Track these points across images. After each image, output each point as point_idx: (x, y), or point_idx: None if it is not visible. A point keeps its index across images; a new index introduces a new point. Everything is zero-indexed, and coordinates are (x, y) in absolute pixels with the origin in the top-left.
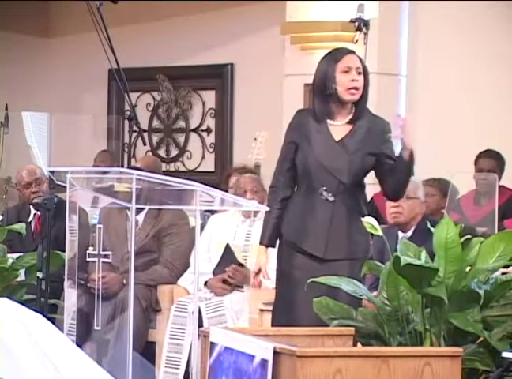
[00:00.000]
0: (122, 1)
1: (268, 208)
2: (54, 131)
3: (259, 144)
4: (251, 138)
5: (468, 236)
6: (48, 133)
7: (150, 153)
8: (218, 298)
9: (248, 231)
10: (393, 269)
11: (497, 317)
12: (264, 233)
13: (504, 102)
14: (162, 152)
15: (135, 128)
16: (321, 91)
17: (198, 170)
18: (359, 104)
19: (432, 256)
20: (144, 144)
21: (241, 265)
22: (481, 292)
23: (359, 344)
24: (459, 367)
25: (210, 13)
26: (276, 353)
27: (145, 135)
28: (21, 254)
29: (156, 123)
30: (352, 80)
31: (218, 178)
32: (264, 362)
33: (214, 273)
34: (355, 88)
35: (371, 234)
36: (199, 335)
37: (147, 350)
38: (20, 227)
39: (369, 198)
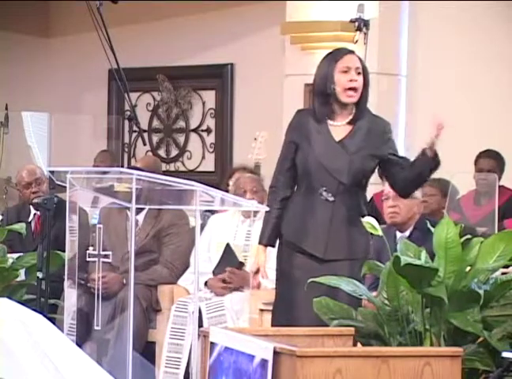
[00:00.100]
0: (122, 1)
1: (268, 208)
2: (54, 131)
3: (259, 144)
4: (251, 138)
5: (468, 236)
6: (48, 133)
7: (150, 153)
8: (218, 298)
9: (248, 231)
10: (393, 269)
11: (497, 317)
12: (263, 232)
13: (504, 102)
14: (162, 152)
15: (135, 128)
16: (321, 91)
17: (198, 170)
18: (360, 105)
19: (431, 256)
20: (144, 144)
21: (241, 264)
22: (481, 292)
23: (359, 344)
24: (459, 367)
25: (210, 13)
26: (276, 353)
27: (145, 135)
28: (21, 254)
29: (156, 123)
30: (351, 80)
31: (218, 178)
32: (264, 362)
33: (214, 273)
34: (354, 89)
35: (371, 234)
36: (199, 335)
37: (147, 350)
38: (20, 227)
39: (369, 198)
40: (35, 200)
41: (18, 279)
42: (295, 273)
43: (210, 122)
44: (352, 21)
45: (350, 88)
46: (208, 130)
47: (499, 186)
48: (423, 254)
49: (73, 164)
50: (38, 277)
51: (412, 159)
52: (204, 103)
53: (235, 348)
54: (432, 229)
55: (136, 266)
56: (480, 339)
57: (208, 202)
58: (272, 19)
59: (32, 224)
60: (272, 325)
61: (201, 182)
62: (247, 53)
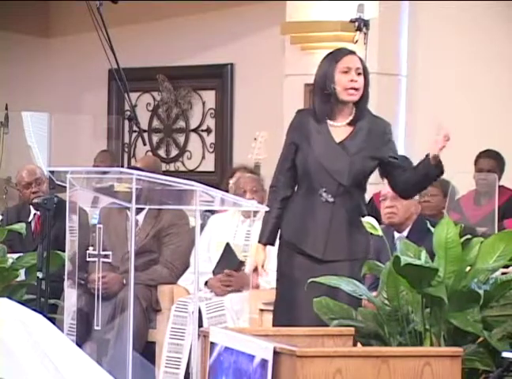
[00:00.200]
0: (122, 1)
1: (267, 208)
2: (54, 131)
3: (259, 144)
4: (251, 138)
5: (468, 236)
6: (48, 133)
7: (150, 153)
8: (218, 298)
9: (248, 231)
10: (393, 269)
11: (497, 317)
12: (263, 231)
13: (504, 102)
14: (162, 152)
15: (135, 128)
16: (322, 91)
17: (198, 170)
18: (360, 105)
19: (430, 256)
20: (144, 144)
21: (242, 263)
22: (481, 292)
23: (359, 344)
24: (459, 367)
25: (210, 13)
26: (276, 353)
27: (145, 135)
28: (21, 254)
29: (156, 123)
30: (351, 81)
31: (218, 178)
32: (264, 362)
33: (214, 273)
34: (355, 89)
35: (371, 234)
36: (199, 335)
37: (147, 350)
38: (20, 227)
39: (369, 198)
40: (35, 200)
41: (18, 279)
42: (294, 273)
43: (210, 122)
44: (352, 21)
45: (350, 88)
46: (208, 130)
47: (499, 186)
48: (423, 254)
49: (73, 164)
50: (38, 277)
51: (411, 158)
52: (204, 103)
53: (235, 348)
54: (432, 229)
55: (136, 266)
56: (480, 339)
57: (208, 202)
58: (272, 19)
59: (32, 224)
60: (274, 325)
61: (201, 182)
62: (247, 53)
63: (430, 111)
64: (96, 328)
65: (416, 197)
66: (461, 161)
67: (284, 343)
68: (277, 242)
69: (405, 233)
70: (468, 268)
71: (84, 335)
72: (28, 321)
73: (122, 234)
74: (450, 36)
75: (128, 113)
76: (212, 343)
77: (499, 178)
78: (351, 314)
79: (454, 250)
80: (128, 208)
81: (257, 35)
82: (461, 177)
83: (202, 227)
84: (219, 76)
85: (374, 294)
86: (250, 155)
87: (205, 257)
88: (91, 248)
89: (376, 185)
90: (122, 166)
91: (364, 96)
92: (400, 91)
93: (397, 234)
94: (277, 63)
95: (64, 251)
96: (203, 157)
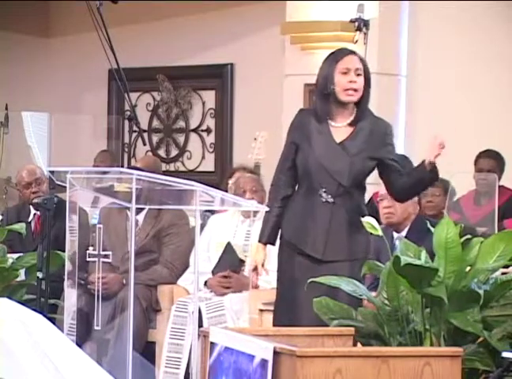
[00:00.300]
0: (122, 1)
1: (267, 208)
2: (54, 131)
3: (259, 144)
4: (251, 138)
5: (468, 236)
6: (48, 133)
7: (150, 153)
8: (218, 298)
9: (248, 231)
10: (393, 269)
11: (497, 317)
12: (263, 231)
13: (504, 102)
14: (162, 152)
15: (135, 128)
16: (322, 91)
17: (198, 170)
18: (361, 106)
19: (430, 256)
20: (144, 144)
21: (242, 262)
22: (481, 292)
23: (359, 344)
24: (459, 367)
25: (210, 13)
26: (276, 353)
27: (145, 135)
28: (21, 254)
29: (156, 123)
30: (350, 82)
31: (218, 178)
32: (264, 362)
33: (213, 273)
34: (354, 90)
35: (371, 234)
36: (199, 335)
37: (147, 350)
38: (20, 227)
39: (368, 198)
40: (35, 200)
41: (18, 279)
42: (295, 273)
43: (210, 122)
44: (351, 21)
45: (349, 89)
46: (208, 130)
47: (499, 186)
48: (423, 254)
49: (73, 164)
50: (38, 277)
51: (411, 158)
52: (204, 103)
53: (235, 348)
54: (432, 229)
55: (136, 266)
56: (480, 339)
57: (208, 202)
58: (272, 19)
59: (32, 224)
60: (274, 325)
61: (201, 182)
62: (247, 53)
63: (430, 111)
64: (95, 328)
65: (415, 198)
66: (461, 161)
67: (284, 343)
68: (278, 241)
69: (404, 233)
70: (468, 268)
71: (84, 335)
72: (28, 321)
73: (122, 234)
74: (450, 36)
75: (128, 113)
76: (212, 343)
77: (499, 178)
78: (351, 314)
79: (454, 250)
80: (128, 208)
81: (257, 35)
82: (461, 177)
83: (202, 227)
84: (219, 76)
85: (374, 294)
86: (250, 155)
87: (204, 257)
88: (91, 248)
89: (376, 185)
90: (122, 166)
91: (365, 97)
92: (400, 91)
93: (395, 234)
94: (277, 63)
95: (64, 251)
96: (203, 157)
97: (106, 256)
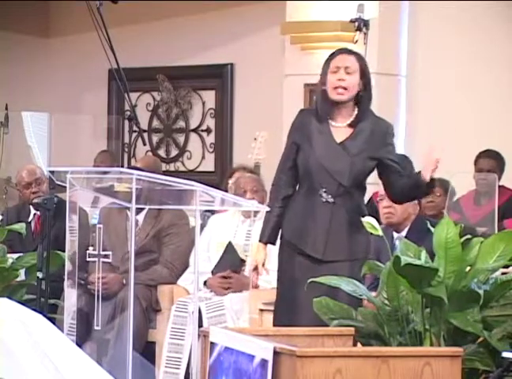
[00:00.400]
0: (122, 1)
1: (267, 208)
2: (54, 131)
3: (259, 144)
4: (251, 138)
5: (468, 236)
6: (48, 133)
7: (150, 153)
8: (218, 298)
9: (248, 231)
10: (393, 269)
11: (497, 317)
12: (264, 230)
13: (504, 102)
14: (162, 152)
15: (135, 128)
16: (320, 91)
17: (198, 170)
18: (361, 107)
19: (430, 256)
20: (144, 144)
21: (243, 262)
22: (481, 292)
23: (359, 344)
24: (459, 367)
25: (210, 13)
26: (276, 353)
27: (145, 135)
28: (21, 254)
29: (156, 123)
30: (339, 80)
31: (218, 178)
32: (264, 362)
33: (213, 272)
34: (342, 88)
35: (371, 234)
36: (199, 335)
37: (147, 350)
38: (20, 227)
39: (368, 197)
40: (35, 200)
41: (18, 279)
42: (295, 273)
43: (210, 122)
44: (352, 21)
45: (338, 87)
46: (208, 130)
47: (499, 186)
48: (423, 254)
49: (73, 164)
50: (38, 277)
51: (411, 157)
52: (204, 103)
53: (235, 348)
54: (432, 229)
55: (136, 266)
56: (480, 339)
57: (208, 202)
58: (272, 19)
59: (32, 224)
60: (274, 325)
61: (201, 182)
62: (247, 53)
63: (430, 111)
64: (96, 328)
65: None
66: (461, 161)
67: (284, 343)
68: (278, 241)
69: (404, 233)
70: (468, 268)
71: (84, 335)
72: (28, 321)
73: (122, 234)
74: (450, 36)
75: (128, 113)
76: (212, 343)
77: (499, 178)
78: (351, 314)
79: (454, 250)
80: (128, 208)
81: (257, 35)
82: (461, 177)
83: (202, 227)
84: (219, 76)
85: (374, 294)
86: (250, 155)
87: (204, 257)
88: (91, 248)
89: (375, 185)
90: (122, 166)
91: (364, 97)
92: (400, 92)
93: (395, 234)
94: (277, 63)
95: (64, 251)
96: (203, 157)
97: (106, 256)
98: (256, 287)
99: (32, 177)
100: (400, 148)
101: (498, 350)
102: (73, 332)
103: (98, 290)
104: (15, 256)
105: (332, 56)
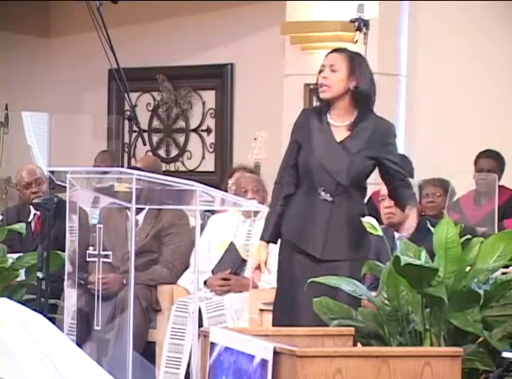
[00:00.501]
0: (122, 1)
1: (267, 208)
2: (54, 131)
3: (259, 144)
4: (251, 138)
5: (468, 236)
6: (48, 133)
7: (150, 153)
8: (218, 298)
9: (248, 231)
10: (393, 269)
11: (497, 317)
12: (265, 229)
13: (504, 102)
14: (162, 152)
15: (135, 128)
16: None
17: (198, 170)
18: (358, 105)
19: (431, 256)
20: (144, 144)
21: (244, 262)
22: (481, 292)
23: (359, 344)
24: (459, 367)
25: (210, 13)
26: (276, 353)
27: (145, 135)
28: (21, 254)
29: (156, 123)
30: (323, 78)
31: (218, 178)
32: (264, 362)
33: (213, 272)
34: (325, 85)
35: (371, 234)
36: (199, 335)
37: (147, 350)
38: (20, 226)
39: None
40: (35, 200)
41: (18, 279)
42: (294, 272)
43: (210, 122)
44: (352, 21)
45: (321, 85)
46: (208, 130)
47: (499, 186)
48: (423, 254)
49: (73, 164)
50: (38, 277)
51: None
52: (204, 103)
53: (235, 348)
54: (432, 229)
55: (136, 266)
56: (480, 339)
57: (208, 202)
58: (272, 19)
59: (32, 224)
60: (273, 324)
61: (201, 182)
62: (247, 53)
63: (430, 111)
64: (96, 328)
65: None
66: (461, 161)
67: (284, 343)
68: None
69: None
70: (468, 268)
71: (84, 335)
72: (28, 321)
73: (122, 234)
74: (450, 36)
75: (128, 113)
76: (212, 343)
77: (499, 178)
78: (351, 314)
79: (454, 250)
80: (128, 208)
81: (257, 35)
82: (461, 177)
83: (202, 227)
84: (219, 76)
85: (374, 294)
86: (250, 155)
87: (205, 257)
88: (91, 248)
89: (375, 185)
90: (122, 166)
91: (359, 98)
92: (400, 91)
93: (397, 234)
94: (277, 63)
95: (64, 251)
96: (203, 157)
97: (106, 256)
98: (255, 287)
99: (32, 177)
100: (400, 148)
101: (498, 350)
102: (73, 332)
103: (98, 290)
104: (15, 256)
105: (325, 56)
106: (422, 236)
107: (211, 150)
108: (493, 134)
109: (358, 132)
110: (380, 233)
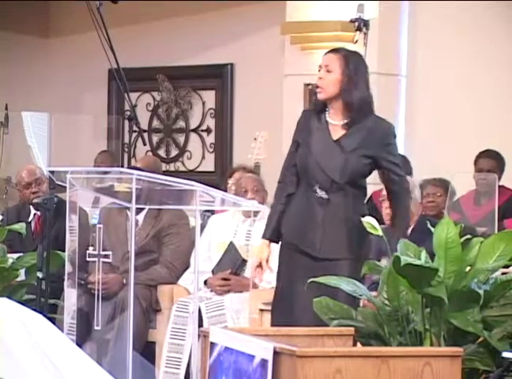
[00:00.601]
0: (122, 1)
1: (267, 208)
2: (54, 131)
3: (259, 144)
4: (251, 138)
5: (468, 236)
6: (48, 133)
7: (150, 153)
8: (218, 298)
9: (248, 231)
10: (393, 269)
11: (497, 317)
12: (267, 227)
13: (504, 102)
14: (162, 152)
15: (135, 128)
16: None
17: (198, 170)
18: (350, 105)
19: (431, 256)
20: (144, 144)
21: (244, 262)
22: (481, 292)
23: (359, 344)
24: (459, 367)
25: (210, 13)
26: (276, 353)
27: (145, 135)
28: (21, 254)
29: (156, 123)
30: (318, 78)
31: (218, 178)
32: (264, 362)
33: (213, 272)
34: (320, 86)
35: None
36: (199, 335)
37: (147, 350)
38: (20, 226)
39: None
40: (35, 200)
41: (18, 279)
42: (292, 271)
43: (210, 122)
44: (352, 21)
45: (317, 86)
46: (208, 130)
47: (499, 186)
48: (423, 254)
49: (73, 164)
50: (38, 277)
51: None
52: (204, 103)
53: (235, 348)
54: (432, 229)
55: (136, 266)
56: (480, 339)
57: (208, 202)
58: (272, 19)
59: (32, 224)
60: (271, 323)
61: (201, 182)
62: (247, 53)
63: (430, 111)
64: (95, 328)
65: (418, 198)
66: (461, 161)
67: (284, 343)
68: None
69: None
70: (468, 268)
71: (84, 335)
72: (28, 321)
73: (122, 234)
74: (450, 36)
75: (128, 113)
76: (212, 343)
77: (499, 178)
78: (351, 314)
79: (454, 250)
80: (128, 208)
81: (257, 35)
82: (461, 177)
83: (202, 227)
84: (219, 76)
85: (374, 294)
86: (250, 155)
87: (205, 257)
88: (91, 248)
89: (375, 185)
90: (122, 166)
91: (350, 98)
92: (400, 91)
93: None
94: (277, 63)
95: (64, 251)
96: (203, 157)
97: (106, 256)
98: (255, 287)
99: (32, 177)
100: (400, 148)
101: (498, 350)
102: (73, 332)
103: (98, 290)
104: (15, 256)
105: (322, 56)
106: (425, 237)
107: (211, 150)
108: (493, 134)
109: (354, 131)
110: (380, 233)
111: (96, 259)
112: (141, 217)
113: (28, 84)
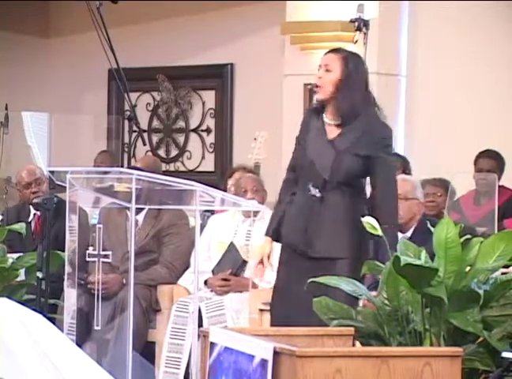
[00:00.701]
0: (122, 1)
1: (267, 208)
2: (54, 131)
3: (259, 144)
4: (251, 138)
5: (468, 236)
6: (48, 133)
7: (150, 153)
8: (218, 298)
9: (248, 231)
10: (393, 269)
11: (497, 317)
12: (270, 225)
13: (504, 102)
14: (162, 152)
15: (135, 128)
16: None
17: (198, 170)
18: (341, 104)
19: (432, 256)
20: (144, 144)
21: (245, 262)
22: (481, 292)
23: (358, 344)
24: (459, 367)
25: (210, 13)
26: (276, 353)
27: (145, 135)
28: (21, 254)
29: (155, 123)
30: (318, 78)
31: (218, 178)
32: (264, 362)
33: (213, 272)
34: (318, 86)
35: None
36: (199, 335)
37: (147, 350)
38: (20, 227)
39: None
40: (35, 200)
41: (18, 279)
42: (290, 269)
43: (210, 122)
44: (351, 21)
45: (316, 85)
46: (208, 130)
47: (499, 186)
48: (423, 254)
49: (73, 164)
50: (38, 277)
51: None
52: (204, 103)
53: (235, 348)
54: (432, 229)
55: (136, 266)
56: (480, 339)
57: (208, 202)
58: (272, 19)
59: (32, 224)
60: (271, 321)
61: (201, 182)
62: (247, 53)
63: (430, 111)
64: (95, 328)
65: (420, 198)
66: (461, 161)
67: (284, 343)
68: None
69: (409, 233)
70: (468, 268)
71: (84, 335)
72: (28, 321)
73: (121, 234)
74: (450, 36)
75: (128, 113)
76: (212, 343)
77: (499, 178)
78: (351, 314)
79: (454, 250)
80: (128, 208)
81: (257, 35)
82: (461, 177)
83: (202, 227)
84: (219, 76)
85: (374, 294)
86: (250, 155)
87: (205, 257)
88: (91, 248)
89: None
90: (122, 167)
91: (341, 98)
92: (400, 91)
93: (400, 235)
94: (277, 63)
95: (64, 251)
96: (203, 157)
97: (106, 256)
98: (255, 286)
99: (32, 177)
100: (400, 148)
101: (498, 350)
102: (73, 332)
103: (98, 290)
104: (15, 256)
105: (322, 56)
106: (427, 237)
107: (211, 150)
108: (493, 134)
109: (348, 130)
110: (380, 233)
111: (95, 259)
112: (140, 217)
113: (28, 84)
